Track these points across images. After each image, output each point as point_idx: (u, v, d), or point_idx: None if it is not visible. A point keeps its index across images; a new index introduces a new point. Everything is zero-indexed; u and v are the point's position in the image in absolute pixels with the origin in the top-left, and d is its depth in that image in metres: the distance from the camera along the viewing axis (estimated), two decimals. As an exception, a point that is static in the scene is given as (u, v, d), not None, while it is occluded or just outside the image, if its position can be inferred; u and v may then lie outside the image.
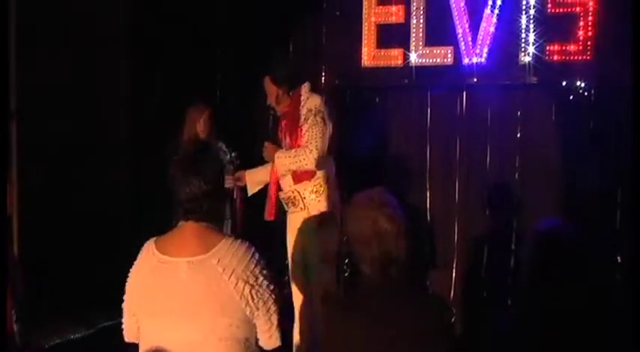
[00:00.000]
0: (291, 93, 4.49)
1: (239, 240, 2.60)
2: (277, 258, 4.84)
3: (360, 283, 2.57)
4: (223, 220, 2.70)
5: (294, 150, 4.39)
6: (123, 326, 2.72)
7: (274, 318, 2.59)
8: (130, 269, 2.65)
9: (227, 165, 4.97)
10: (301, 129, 4.40)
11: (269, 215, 4.60)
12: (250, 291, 2.50)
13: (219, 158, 2.81)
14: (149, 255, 2.61)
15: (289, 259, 4.50)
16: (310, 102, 4.44)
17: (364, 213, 2.55)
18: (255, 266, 2.54)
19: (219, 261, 2.51)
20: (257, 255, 2.58)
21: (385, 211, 2.52)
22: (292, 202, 4.48)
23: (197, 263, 2.52)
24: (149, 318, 2.61)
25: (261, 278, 2.54)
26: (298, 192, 4.43)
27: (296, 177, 4.44)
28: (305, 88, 4.48)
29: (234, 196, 5.05)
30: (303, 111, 4.42)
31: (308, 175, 4.41)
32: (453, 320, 5.21)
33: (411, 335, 2.42)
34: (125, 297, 2.67)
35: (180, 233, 2.62)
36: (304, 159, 4.33)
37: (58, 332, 4.58)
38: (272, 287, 2.56)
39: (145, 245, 2.65)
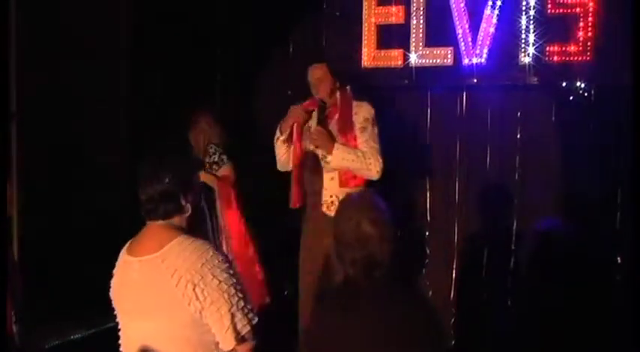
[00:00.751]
0: (343, 89, 4.45)
1: (193, 239, 2.59)
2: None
3: (346, 285, 2.58)
4: (193, 221, 2.67)
5: (359, 151, 4.27)
6: None
7: (226, 319, 2.53)
8: None
9: (210, 164, 5.04)
10: (355, 135, 4.32)
11: (295, 202, 4.49)
12: (194, 290, 2.48)
13: (185, 160, 2.86)
14: (121, 254, 2.72)
15: (303, 265, 4.46)
16: (365, 110, 4.39)
17: (349, 215, 2.56)
18: (204, 264, 2.52)
19: (164, 260, 2.52)
20: (209, 255, 2.55)
21: (369, 215, 2.53)
22: (327, 206, 4.33)
23: (146, 262, 2.57)
24: (118, 317, 2.74)
25: (209, 277, 2.50)
26: (337, 198, 4.21)
27: (343, 181, 4.32)
28: (349, 89, 4.46)
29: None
30: (359, 117, 4.35)
31: (354, 182, 4.30)
32: (451, 321, 5.26)
33: (394, 337, 2.42)
34: None
35: (143, 233, 2.68)
36: (372, 164, 4.23)
37: (58, 332, 4.58)
38: (225, 287, 2.52)
39: (127, 244, 2.74)
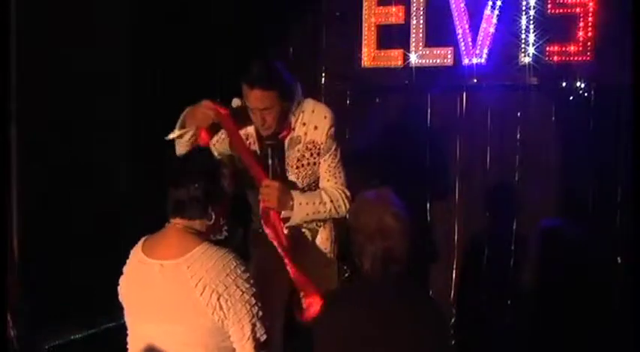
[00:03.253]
0: (293, 112, 3.45)
1: (217, 248, 2.60)
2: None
3: (359, 279, 2.60)
4: (220, 228, 2.68)
5: (324, 194, 3.45)
6: None
7: (247, 329, 2.56)
8: None
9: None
10: (311, 163, 3.49)
11: (263, 177, 3.38)
12: (218, 300, 2.50)
13: (214, 162, 2.83)
14: (134, 253, 2.70)
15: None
16: (324, 119, 3.47)
17: (371, 208, 2.60)
18: (228, 275, 2.53)
19: (189, 267, 2.53)
20: (234, 265, 2.57)
21: (392, 209, 2.58)
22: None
23: (169, 267, 2.56)
24: (128, 317, 2.72)
25: (233, 287, 2.52)
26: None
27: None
28: (299, 90, 3.48)
29: None
30: (320, 134, 3.45)
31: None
32: (451, 321, 5.26)
33: (404, 334, 2.44)
34: None
35: (163, 234, 2.68)
36: (340, 206, 3.43)
37: (58, 333, 4.57)
38: (247, 297, 2.54)
39: (136, 246, 2.72)
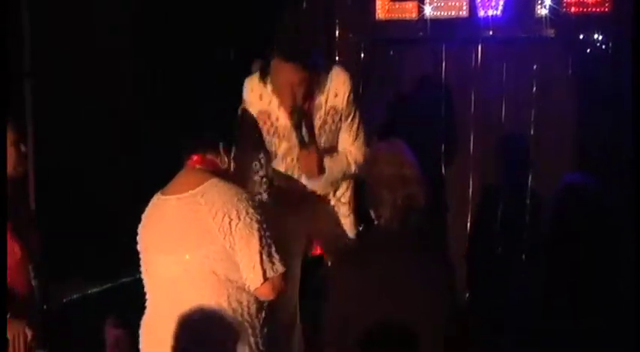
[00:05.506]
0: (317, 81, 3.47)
1: (231, 182, 2.73)
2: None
3: (376, 232, 2.62)
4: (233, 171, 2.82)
5: (344, 157, 3.56)
6: None
7: (255, 256, 2.62)
8: None
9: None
10: (333, 129, 3.54)
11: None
12: (230, 223, 2.59)
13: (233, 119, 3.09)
14: (153, 199, 2.80)
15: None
16: (345, 85, 3.50)
17: (388, 157, 2.62)
18: (240, 200, 2.63)
19: (203, 194, 2.64)
20: (245, 196, 2.68)
21: (408, 159, 2.58)
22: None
23: (184, 198, 2.67)
24: (144, 253, 2.80)
25: (244, 213, 2.61)
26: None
27: None
28: (338, 69, 3.54)
29: None
30: (340, 100, 3.48)
31: None
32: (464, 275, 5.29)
33: (417, 285, 2.47)
34: None
35: (178, 176, 2.79)
36: (352, 165, 3.54)
37: (75, 287, 4.63)
38: (256, 226, 2.61)
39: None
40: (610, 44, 4.94)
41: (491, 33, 5.25)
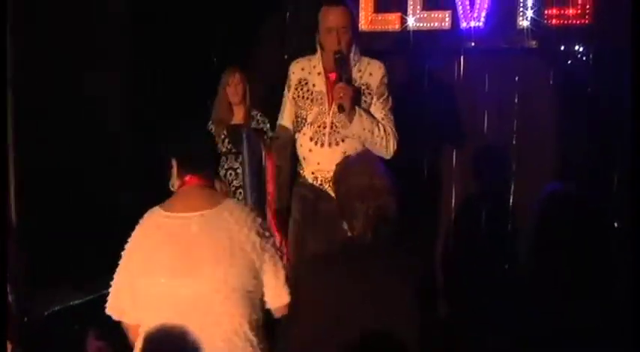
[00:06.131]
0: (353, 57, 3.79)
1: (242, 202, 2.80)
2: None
3: (348, 241, 2.62)
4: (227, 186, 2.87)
5: (381, 124, 3.73)
6: (110, 297, 2.72)
7: (281, 274, 2.65)
8: (132, 233, 2.69)
9: (267, 134, 4.67)
10: (363, 103, 3.75)
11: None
12: (260, 242, 2.60)
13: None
14: (154, 216, 2.68)
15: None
16: (380, 70, 3.81)
17: (360, 168, 2.62)
18: (260, 222, 2.67)
19: (231, 212, 2.62)
20: (260, 218, 2.71)
21: (378, 169, 2.59)
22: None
23: (209, 215, 2.61)
24: (152, 278, 2.59)
25: (267, 233, 2.66)
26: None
27: None
28: (366, 58, 3.86)
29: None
30: (374, 80, 3.77)
31: None
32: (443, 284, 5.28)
33: (392, 294, 2.46)
34: (123, 262, 2.69)
35: (185, 194, 2.70)
36: (390, 142, 3.73)
37: (57, 298, 4.60)
38: (276, 245, 2.70)
39: (148, 211, 2.71)
40: (590, 56, 4.97)
41: (473, 44, 5.28)
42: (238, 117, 4.93)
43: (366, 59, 3.86)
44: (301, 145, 3.90)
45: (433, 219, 5.57)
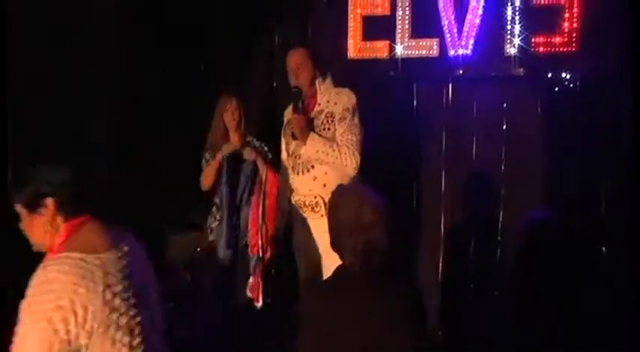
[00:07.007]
0: (321, 79, 4.22)
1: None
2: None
3: (341, 271, 2.61)
4: None
5: (335, 144, 4.05)
6: None
7: None
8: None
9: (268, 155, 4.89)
10: (328, 129, 4.10)
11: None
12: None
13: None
14: (79, 260, 2.46)
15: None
16: (346, 98, 4.14)
17: (349, 202, 2.60)
18: None
19: (139, 240, 2.72)
20: None
21: (369, 202, 2.57)
22: (312, 208, 4.13)
23: (134, 246, 2.67)
24: (113, 313, 2.46)
25: None
26: (322, 198, 4.01)
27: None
28: (329, 78, 4.25)
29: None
30: (339, 107, 4.11)
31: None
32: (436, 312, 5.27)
33: (382, 323, 2.45)
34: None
35: (90, 233, 2.59)
36: (348, 160, 4.01)
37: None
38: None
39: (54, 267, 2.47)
40: (577, 83, 5.00)
41: (461, 72, 5.30)
42: (234, 142, 4.94)
43: (335, 90, 4.25)
44: (289, 175, 4.34)
45: (421, 247, 5.56)
